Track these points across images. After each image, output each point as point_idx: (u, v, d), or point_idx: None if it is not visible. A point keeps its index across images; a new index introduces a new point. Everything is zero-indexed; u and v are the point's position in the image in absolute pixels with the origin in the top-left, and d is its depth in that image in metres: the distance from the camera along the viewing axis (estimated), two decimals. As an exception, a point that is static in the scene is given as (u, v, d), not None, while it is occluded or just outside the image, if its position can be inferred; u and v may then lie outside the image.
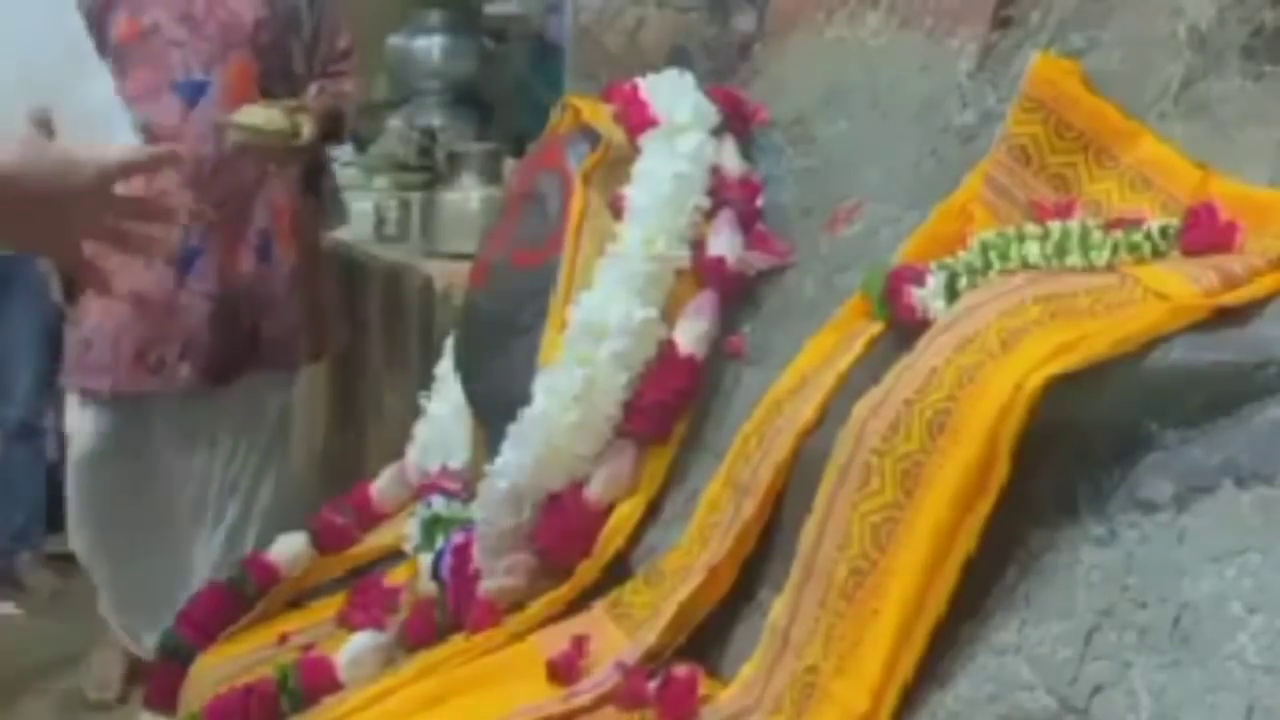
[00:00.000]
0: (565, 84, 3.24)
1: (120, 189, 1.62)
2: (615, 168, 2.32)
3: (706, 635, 1.93)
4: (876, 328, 1.89)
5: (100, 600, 3.70)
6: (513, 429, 2.19)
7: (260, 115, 3.26)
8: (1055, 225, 1.79)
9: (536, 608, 2.13)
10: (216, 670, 2.46)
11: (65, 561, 4.10)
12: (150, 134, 3.01)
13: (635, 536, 2.16)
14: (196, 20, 3.29)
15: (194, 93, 3.28)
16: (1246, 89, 1.84)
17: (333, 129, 3.49)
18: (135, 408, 3.40)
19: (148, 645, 3.29)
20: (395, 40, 4.84)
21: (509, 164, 3.69)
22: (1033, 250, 1.77)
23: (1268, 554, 1.41)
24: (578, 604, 2.12)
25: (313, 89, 3.42)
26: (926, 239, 1.99)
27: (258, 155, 3.30)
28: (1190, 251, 1.72)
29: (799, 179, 2.35)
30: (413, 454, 2.71)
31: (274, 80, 3.34)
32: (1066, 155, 1.92)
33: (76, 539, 3.63)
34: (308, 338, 3.53)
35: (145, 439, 3.44)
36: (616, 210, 2.28)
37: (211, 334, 3.32)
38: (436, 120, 4.65)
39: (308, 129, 3.32)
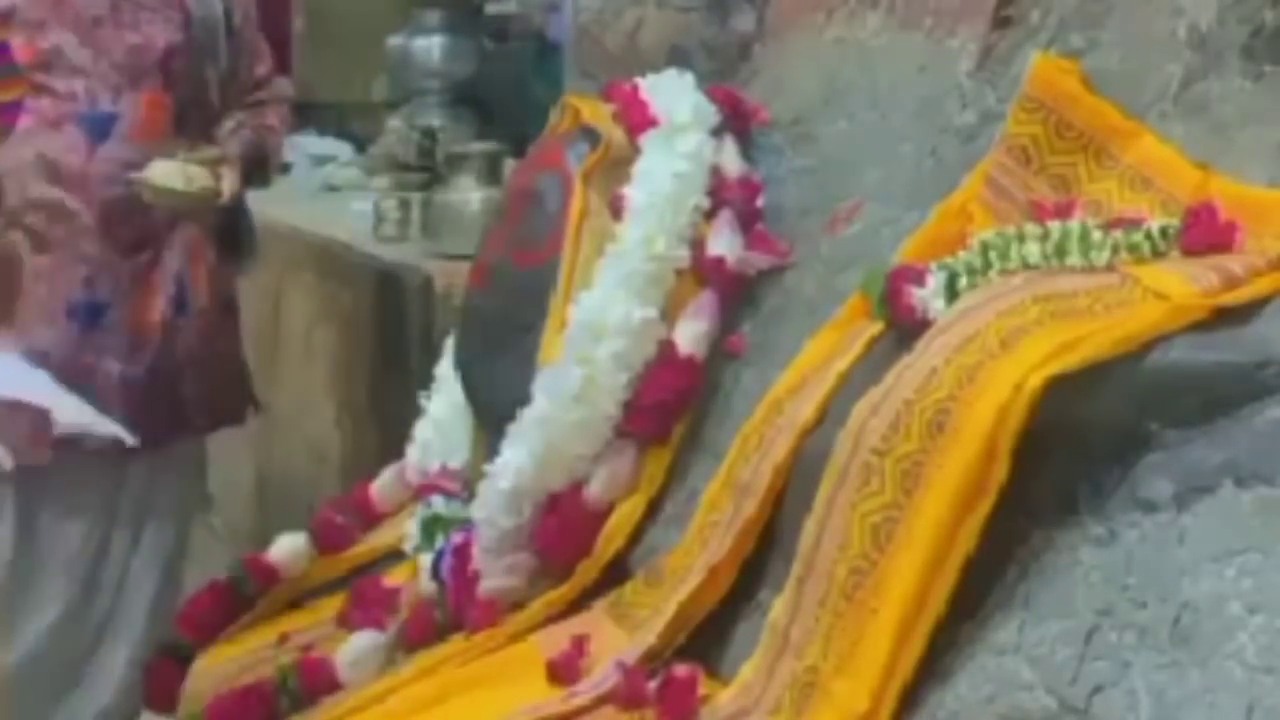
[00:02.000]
0: (565, 84, 3.24)
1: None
2: (615, 168, 2.32)
3: (706, 635, 1.93)
4: (876, 328, 1.89)
5: None
6: (513, 429, 2.19)
7: (178, 175, 2.84)
8: (1055, 225, 1.79)
9: (536, 608, 2.13)
10: (216, 670, 2.46)
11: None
12: (51, 171, 2.81)
13: (635, 536, 2.16)
14: (103, 44, 2.88)
15: (100, 126, 2.88)
16: (1246, 89, 1.84)
17: (256, 170, 3.07)
18: (24, 484, 2.91)
19: None
20: (395, 40, 4.84)
21: (509, 164, 3.68)
22: (1033, 250, 1.77)
23: (1268, 554, 1.42)
24: (578, 604, 2.12)
25: (229, 123, 3.04)
26: (926, 239, 1.99)
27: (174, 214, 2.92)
28: (1190, 251, 1.72)
29: (799, 179, 2.35)
30: (413, 454, 2.71)
31: (188, 113, 2.95)
32: (1066, 155, 1.92)
33: None
34: (229, 397, 3.12)
35: (27, 518, 2.96)
36: (616, 210, 2.28)
37: (125, 397, 2.89)
38: (436, 120, 4.64)
39: (229, 185, 2.92)
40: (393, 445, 2.87)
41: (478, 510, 2.22)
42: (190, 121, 2.95)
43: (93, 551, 2.96)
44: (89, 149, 2.86)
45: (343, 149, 5.19)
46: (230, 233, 3.05)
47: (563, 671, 1.97)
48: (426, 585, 2.33)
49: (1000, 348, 1.61)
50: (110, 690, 2.98)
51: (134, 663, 2.92)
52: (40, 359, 2.82)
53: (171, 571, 3.07)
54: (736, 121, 2.41)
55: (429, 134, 4.53)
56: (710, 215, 2.28)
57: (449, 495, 2.49)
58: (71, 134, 2.85)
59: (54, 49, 2.86)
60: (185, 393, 2.98)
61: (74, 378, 2.82)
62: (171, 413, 2.96)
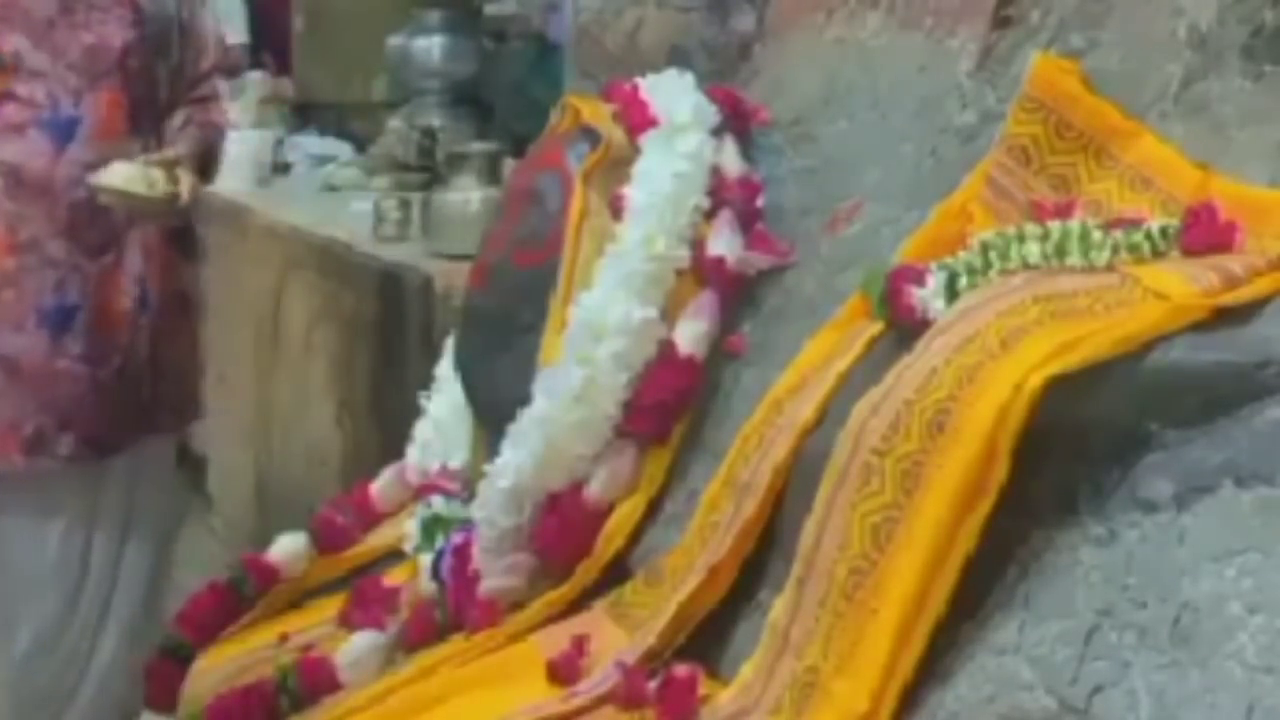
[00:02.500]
0: (565, 84, 3.24)
1: None
2: (615, 168, 2.32)
3: (706, 635, 1.93)
4: (876, 328, 1.89)
5: None
6: (513, 429, 2.19)
7: (140, 180, 2.79)
8: (1055, 225, 1.79)
9: (536, 608, 2.13)
10: (216, 670, 2.46)
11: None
12: (15, 177, 2.78)
13: (635, 536, 2.16)
14: (58, 46, 2.83)
15: (64, 129, 2.84)
16: (1246, 89, 1.84)
17: (203, 169, 3.03)
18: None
19: None
20: (395, 40, 4.84)
21: (509, 164, 3.68)
22: (1033, 250, 1.77)
23: (1268, 554, 1.41)
24: (578, 604, 2.12)
25: (178, 118, 2.99)
26: (926, 239, 1.99)
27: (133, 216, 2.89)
28: (1190, 251, 1.72)
29: (799, 179, 2.35)
30: (413, 454, 2.71)
31: (142, 112, 2.92)
32: (1066, 155, 1.92)
33: None
34: (190, 395, 3.13)
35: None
36: (616, 210, 2.28)
37: (96, 400, 2.86)
38: (436, 120, 4.64)
39: (188, 188, 2.87)
40: (393, 445, 2.87)
41: (478, 510, 2.22)
42: (143, 119, 2.92)
43: (75, 558, 2.95)
44: (55, 153, 2.82)
45: (343, 149, 5.20)
46: (180, 230, 3.02)
47: (563, 671, 1.97)
48: (426, 585, 2.32)
49: (1000, 348, 1.61)
50: (106, 693, 2.98)
51: (128, 664, 2.92)
52: (9, 365, 2.81)
53: (159, 574, 3.07)
54: (736, 121, 2.41)
55: (429, 134, 4.53)
56: (710, 215, 2.28)
57: (449, 495, 2.49)
58: (35, 138, 2.82)
59: (13, 54, 2.82)
60: (153, 392, 2.97)
61: (46, 383, 2.82)
62: (141, 413, 2.95)
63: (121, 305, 2.90)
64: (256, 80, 5.59)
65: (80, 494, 2.94)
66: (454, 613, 2.23)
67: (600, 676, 1.93)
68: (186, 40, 3.03)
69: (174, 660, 2.60)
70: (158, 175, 2.82)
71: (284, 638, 2.46)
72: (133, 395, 2.93)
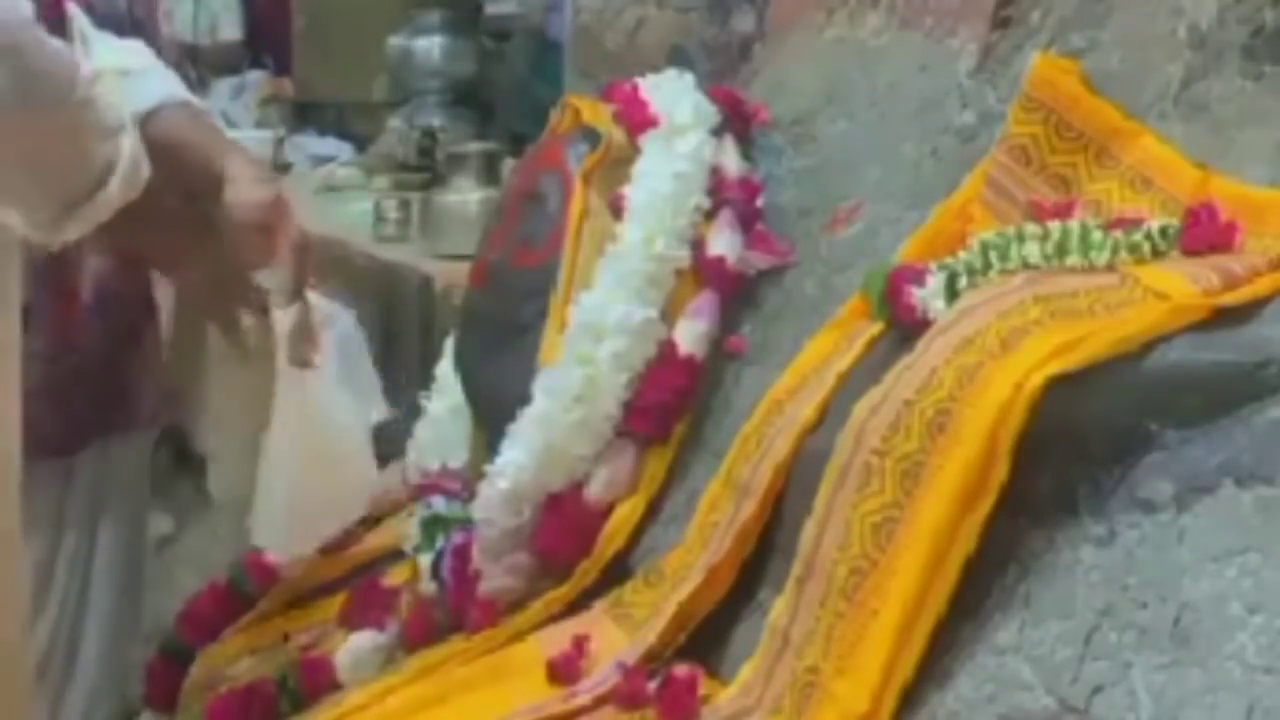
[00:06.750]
0: (565, 84, 3.24)
1: None
2: (615, 168, 2.32)
3: (706, 635, 1.93)
4: (876, 328, 1.89)
5: None
6: (513, 429, 2.19)
7: None
8: (1055, 225, 1.79)
9: (536, 608, 2.13)
10: (216, 670, 2.45)
11: None
12: None
13: (635, 536, 2.16)
14: None
15: None
16: (1246, 89, 1.84)
17: None
18: None
19: None
20: (395, 40, 4.84)
21: (509, 164, 3.68)
22: (1033, 250, 1.77)
23: (1268, 554, 1.42)
24: (578, 604, 2.12)
25: None
26: (926, 239, 1.99)
27: None
28: (1190, 251, 1.72)
29: (799, 179, 2.35)
30: (413, 454, 2.71)
31: None
32: (1066, 155, 1.92)
33: None
34: (157, 394, 3.00)
35: None
36: (616, 210, 2.28)
37: (50, 400, 2.69)
38: (436, 120, 4.64)
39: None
40: (392, 445, 2.87)
41: (478, 510, 2.22)
42: None
43: (40, 558, 2.88)
44: None
45: (343, 149, 5.19)
46: None
47: (563, 671, 1.97)
48: (426, 585, 2.32)
49: (1000, 348, 1.61)
50: (96, 693, 2.96)
51: (117, 663, 2.90)
52: None
53: (135, 572, 3.03)
54: (736, 121, 2.40)
55: (429, 134, 4.53)
56: (710, 215, 2.27)
57: (449, 495, 2.49)
58: None
59: None
60: (109, 395, 2.86)
61: None
62: (96, 414, 2.84)
63: (77, 304, 2.79)
64: (256, 80, 5.58)
65: (45, 494, 2.91)
66: (454, 613, 2.23)
67: (600, 676, 1.93)
68: (144, 39, 2.99)
69: (174, 660, 2.60)
70: None
71: (284, 638, 2.46)
72: (87, 396, 2.83)
